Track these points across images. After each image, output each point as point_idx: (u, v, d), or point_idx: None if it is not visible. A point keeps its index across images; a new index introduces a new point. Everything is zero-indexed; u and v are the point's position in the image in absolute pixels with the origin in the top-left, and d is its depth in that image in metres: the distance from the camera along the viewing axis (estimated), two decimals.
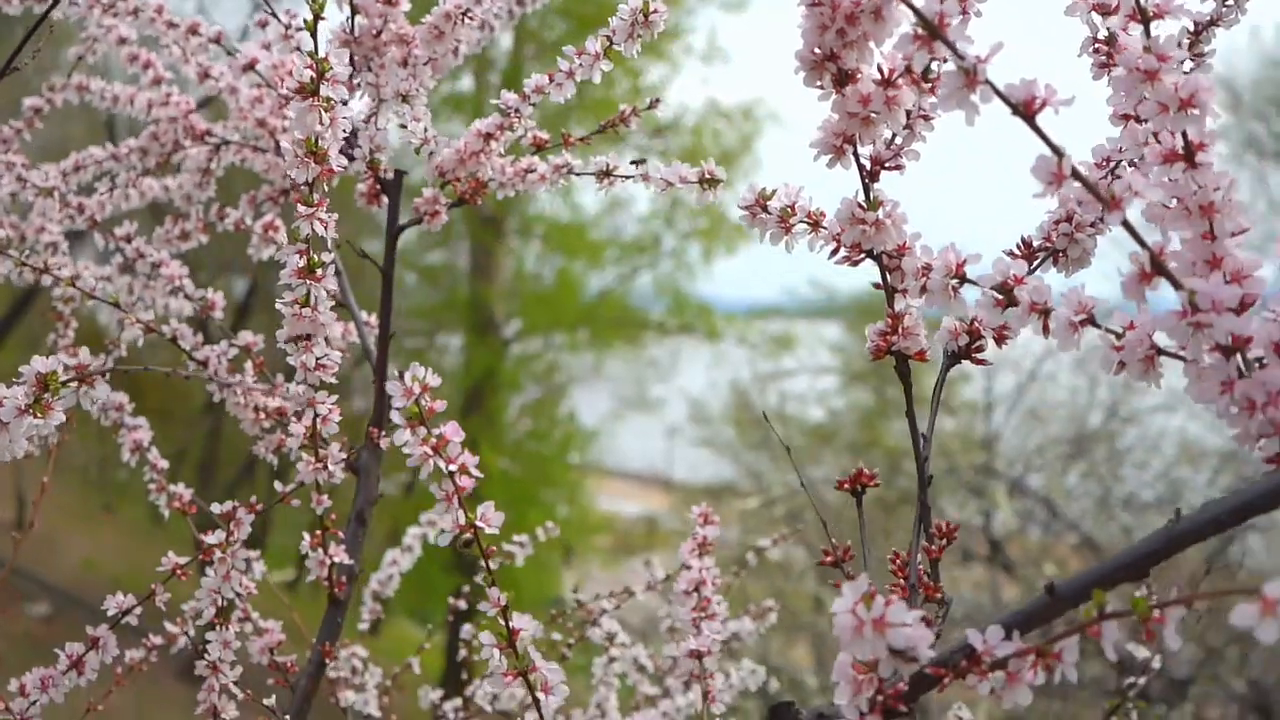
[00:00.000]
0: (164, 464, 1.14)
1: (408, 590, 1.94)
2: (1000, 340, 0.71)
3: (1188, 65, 0.74)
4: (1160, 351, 0.58)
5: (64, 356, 0.71)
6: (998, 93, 0.53)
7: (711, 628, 0.98)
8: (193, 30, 1.14)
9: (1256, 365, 0.55)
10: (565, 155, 1.02)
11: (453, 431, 0.66)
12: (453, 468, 0.65)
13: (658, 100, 1.04)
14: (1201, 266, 0.56)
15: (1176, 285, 0.54)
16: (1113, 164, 0.73)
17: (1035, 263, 0.72)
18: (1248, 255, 0.57)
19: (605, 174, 0.99)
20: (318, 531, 1.00)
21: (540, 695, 0.68)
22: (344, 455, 0.95)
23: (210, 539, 0.93)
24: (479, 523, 0.66)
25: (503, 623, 0.68)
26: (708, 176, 0.87)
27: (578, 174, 1.00)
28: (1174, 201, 0.58)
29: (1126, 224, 0.53)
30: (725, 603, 1.00)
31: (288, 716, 1.04)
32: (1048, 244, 0.72)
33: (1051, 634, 0.54)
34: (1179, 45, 0.69)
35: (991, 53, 0.54)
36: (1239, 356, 0.55)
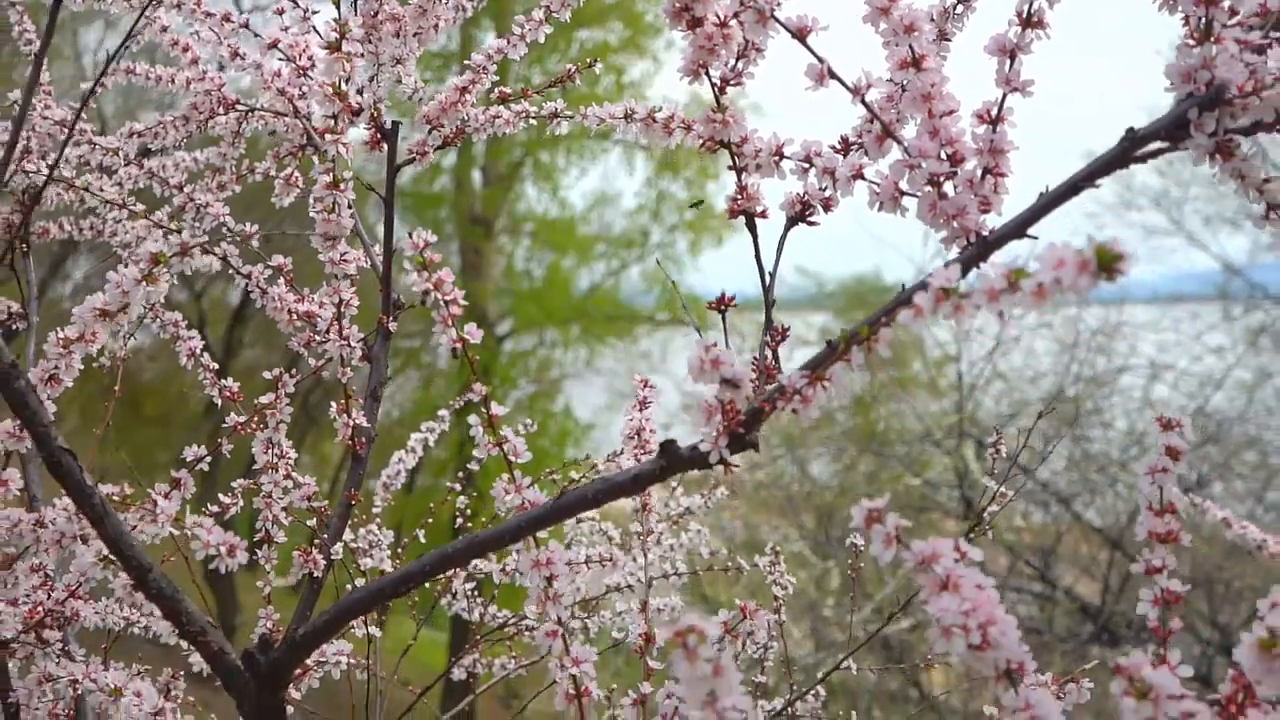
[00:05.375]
0: (215, 366, 1.43)
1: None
2: (827, 208, 1.01)
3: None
4: (902, 193, 0.88)
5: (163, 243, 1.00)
6: (781, 24, 0.83)
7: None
8: (226, 18, 1.43)
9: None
10: (524, 104, 1.32)
11: (447, 275, 0.96)
12: (448, 298, 0.95)
13: (595, 60, 1.34)
14: (926, 135, 0.86)
15: (900, 143, 0.84)
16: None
17: (849, 153, 1.02)
18: (957, 127, 0.87)
19: (554, 115, 1.29)
20: (343, 400, 1.30)
21: (511, 459, 0.98)
22: (363, 336, 1.25)
23: (263, 400, 1.23)
24: (465, 335, 0.96)
25: (484, 410, 0.98)
26: (629, 112, 1.17)
27: (533, 117, 1.30)
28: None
29: (864, 103, 0.83)
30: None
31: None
32: (858, 139, 1.02)
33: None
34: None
35: None
36: (947, 188, 0.85)
